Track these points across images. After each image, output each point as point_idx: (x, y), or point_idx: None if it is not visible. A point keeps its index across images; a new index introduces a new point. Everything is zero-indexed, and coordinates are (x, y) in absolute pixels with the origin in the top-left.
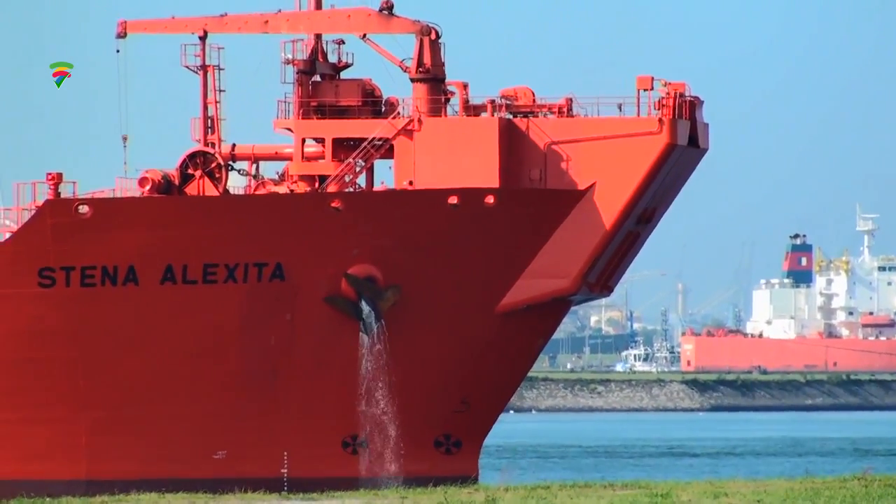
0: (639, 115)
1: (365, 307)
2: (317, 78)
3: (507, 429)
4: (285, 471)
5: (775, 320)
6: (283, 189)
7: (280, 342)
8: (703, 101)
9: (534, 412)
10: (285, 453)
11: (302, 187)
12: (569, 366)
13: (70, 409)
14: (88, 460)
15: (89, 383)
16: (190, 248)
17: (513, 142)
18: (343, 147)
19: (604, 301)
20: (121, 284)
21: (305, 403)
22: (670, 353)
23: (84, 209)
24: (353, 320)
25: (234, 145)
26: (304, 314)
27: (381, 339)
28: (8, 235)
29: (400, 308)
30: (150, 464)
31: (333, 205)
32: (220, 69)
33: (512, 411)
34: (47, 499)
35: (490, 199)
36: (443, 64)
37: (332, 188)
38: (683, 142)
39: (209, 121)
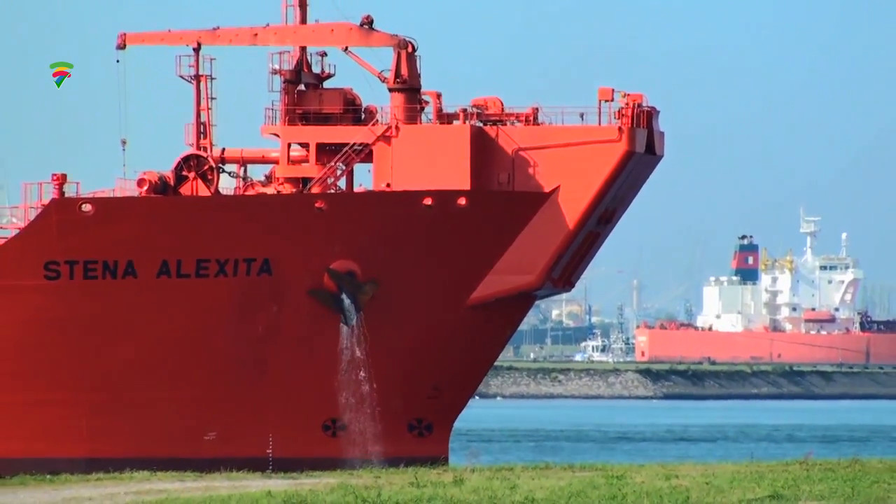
0: (600, 123)
1: (345, 300)
2: (302, 87)
3: (475, 414)
4: (270, 451)
5: (724, 315)
6: (270, 190)
7: (267, 332)
8: (659, 112)
9: (499, 398)
10: (270, 435)
11: (288, 188)
12: (532, 356)
13: (72, 392)
14: (89, 440)
15: (90, 368)
16: (184, 244)
17: (483, 148)
18: (326, 151)
19: (564, 295)
20: (120, 277)
21: (289, 389)
22: (626, 344)
23: (87, 208)
24: (334, 312)
25: (224, 149)
26: (290, 306)
27: (360, 329)
28: (15, 232)
29: (378, 301)
30: (145, 444)
31: (317, 205)
32: (212, 78)
33: (478, 397)
34: (48, 476)
35: (462, 201)
36: (419, 75)
37: (315, 189)
38: (641, 149)
39: (202, 126)
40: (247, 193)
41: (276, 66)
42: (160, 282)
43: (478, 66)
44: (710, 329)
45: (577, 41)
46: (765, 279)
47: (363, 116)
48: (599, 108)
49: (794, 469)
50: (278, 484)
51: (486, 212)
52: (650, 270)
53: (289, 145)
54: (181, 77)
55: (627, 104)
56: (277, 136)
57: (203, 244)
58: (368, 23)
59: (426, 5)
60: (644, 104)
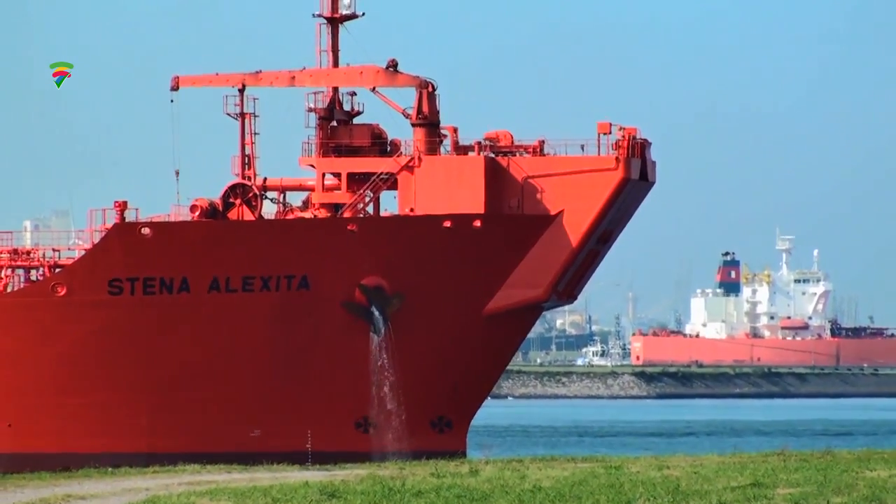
0: (599, 154)
1: (375, 311)
2: (334, 123)
3: (489, 412)
4: (309, 446)
5: (709, 323)
6: (307, 214)
7: (305, 340)
8: (651, 143)
9: (510, 399)
10: (309, 432)
11: (323, 213)
12: (538, 360)
13: (133, 394)
14: (148, 437)
15: (149, 373)
16: (232, 262)
17: (495, 176)
18: (356, 180)
19: (568, 307)
20: (175, 292)
21: (326, 391)
22: (622, 350)
23: (146, 231)
24: (364, 322)
25: (266, 178)
26: (325, 317)
27: (388, 337)
28: (81, 253)
29: (403, 312)
30: (197, 440)
31: (349, 228)
32: (255, 116)
33: (491, 398)
34: (110, 469)
35: (477, 223)
36: (438, 111)
37: (347, 214)
38: (636, 176)
39: (246, 158)
40: (286, 218)
41: (312, 105)
42: (211, 296)
43: (490, 103)
44: (697, 336)
45: (578, 79)
46: (746, 291)
47: (389, 149)
48: (599, 141)
49: (772, 460)
50: (315, 475)
51: (498, 233)
52: (644, 284)
53: (323, 175)
54: (228, 114)
55: (623, 137)
56: (313, 166)
57: (248, 262)
58: (393, 66)
59: (444, 50)
60: (638, 136)
